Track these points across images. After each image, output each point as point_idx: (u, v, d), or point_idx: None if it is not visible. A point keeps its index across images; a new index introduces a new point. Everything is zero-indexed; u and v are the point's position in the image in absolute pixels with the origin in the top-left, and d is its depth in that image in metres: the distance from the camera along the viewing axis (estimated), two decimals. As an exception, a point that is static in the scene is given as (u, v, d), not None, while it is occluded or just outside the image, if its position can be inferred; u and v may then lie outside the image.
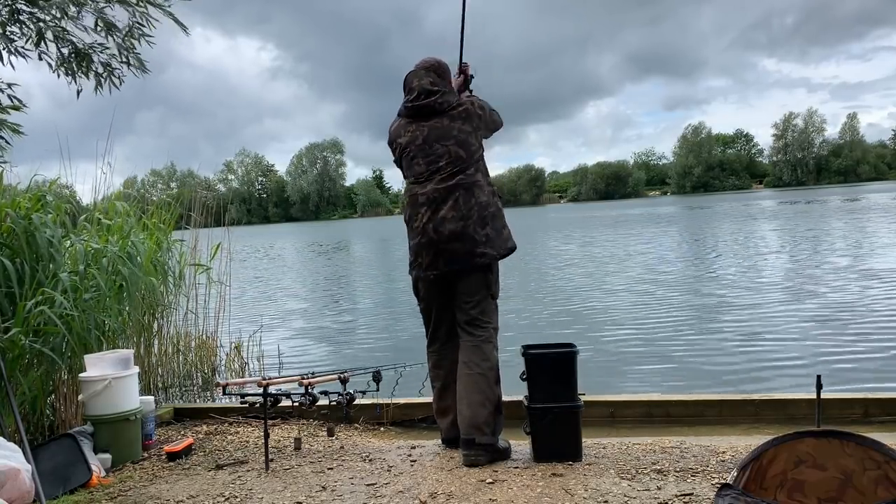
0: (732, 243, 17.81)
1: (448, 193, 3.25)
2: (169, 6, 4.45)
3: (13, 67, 4.38)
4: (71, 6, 4.25)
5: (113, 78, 4.56)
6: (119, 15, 4.44)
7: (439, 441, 3.50)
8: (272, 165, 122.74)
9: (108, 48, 4.51)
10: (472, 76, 3.66)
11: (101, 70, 4.52)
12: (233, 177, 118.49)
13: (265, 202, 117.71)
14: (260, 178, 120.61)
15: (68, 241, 4.35)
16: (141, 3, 4.35)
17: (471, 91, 3.62)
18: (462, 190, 3.25)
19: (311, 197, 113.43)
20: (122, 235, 4.76)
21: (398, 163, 3.49)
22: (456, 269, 3.25)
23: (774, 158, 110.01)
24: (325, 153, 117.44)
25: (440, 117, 3.34)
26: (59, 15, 4.25)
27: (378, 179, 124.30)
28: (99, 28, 4.42)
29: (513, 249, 3.35)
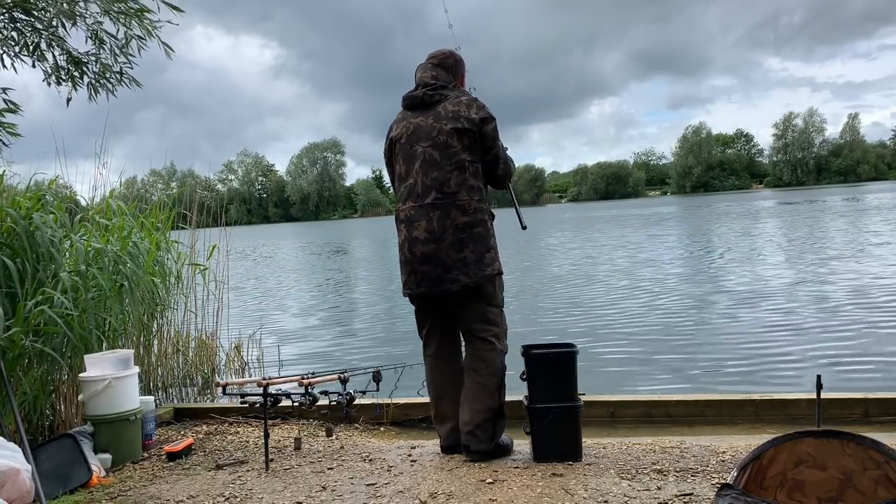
0: (732, 243, 17.79)
1: (424, 213, 3.12)
2: (161, 25, 4.45)
3: (16, 71, 4.40)
4: (65, 18, 4.24)
5: (108, 84, 4.56)
6: (111, 29, 4.45)
7: (439, 443, 3.49)
8: (272, 165, 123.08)
9: (101, 58, 4.51)
10: None
11: (94, 78, 4.51)
12: (233, 177, 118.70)
13: (265, 202, 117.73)
14: (260, 178, 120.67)
15: (69, 241, 4.35)
16: (124, 19, 4.32)
17: None
18: (438, 210, 3.10)
19: (311, 197, 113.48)
20: (122, 235, 4.76)
21: (387, 154, 3.37)
22: (424, 291, 3.18)
23: (774, 158, 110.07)
24: (325, 153, 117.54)
25: (427, 112, 3.20)
26: (54, 24, 4.24)
27: (378, 179, 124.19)
28: (90, 41, 4.43)
29: (493, 276, 3.14)
